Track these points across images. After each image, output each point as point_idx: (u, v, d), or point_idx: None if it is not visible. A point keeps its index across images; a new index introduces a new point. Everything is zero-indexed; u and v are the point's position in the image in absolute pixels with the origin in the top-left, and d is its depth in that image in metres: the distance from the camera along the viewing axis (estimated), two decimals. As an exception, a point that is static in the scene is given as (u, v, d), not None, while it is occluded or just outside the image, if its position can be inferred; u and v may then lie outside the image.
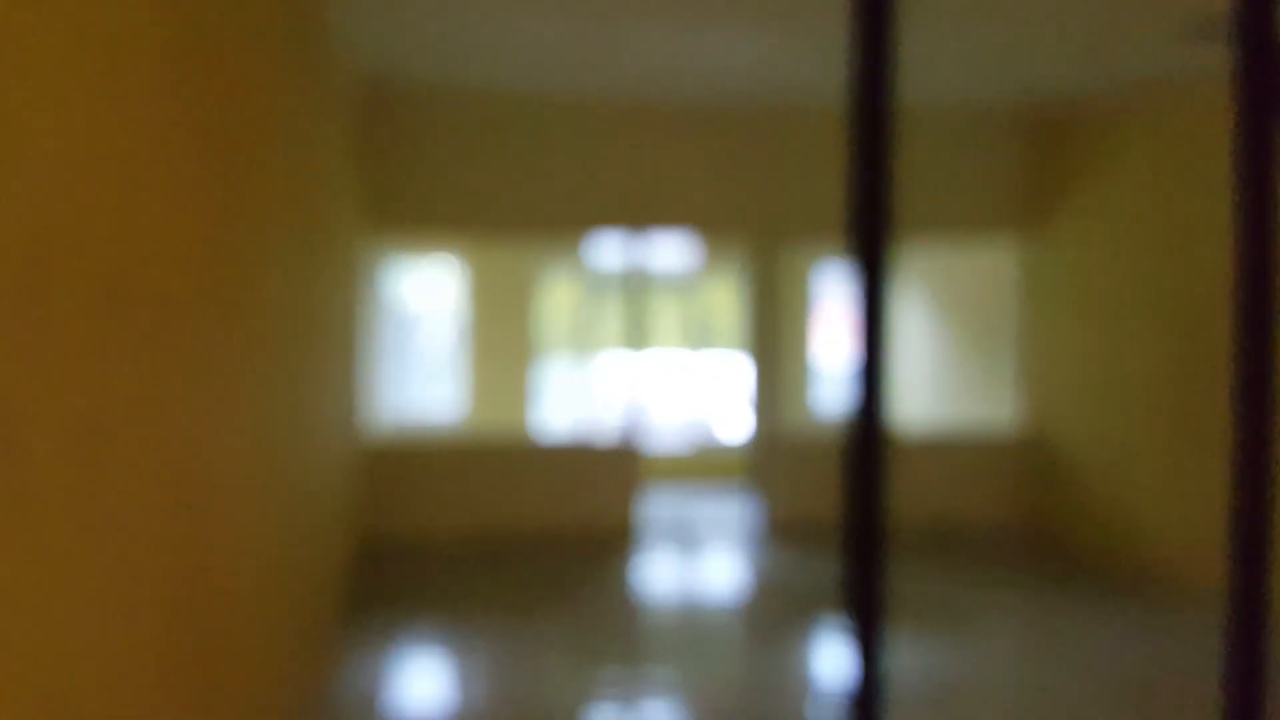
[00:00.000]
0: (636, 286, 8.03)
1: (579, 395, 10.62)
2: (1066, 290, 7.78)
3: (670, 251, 10.68)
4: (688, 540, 7.94)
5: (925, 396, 9.76)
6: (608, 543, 7.75)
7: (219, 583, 2.45)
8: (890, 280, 2.02)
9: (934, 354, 9.71)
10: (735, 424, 10.94)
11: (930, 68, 6.64)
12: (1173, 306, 6.64)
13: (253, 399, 3.07)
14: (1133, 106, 7.04)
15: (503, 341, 10.29)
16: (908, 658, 5.22)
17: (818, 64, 6.85)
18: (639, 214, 7.95)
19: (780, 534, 8.04)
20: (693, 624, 5.86)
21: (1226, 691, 1.66)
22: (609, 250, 10.43)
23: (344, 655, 5.13)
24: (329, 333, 5.23)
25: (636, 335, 8.04)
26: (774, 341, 8.16)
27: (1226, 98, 6.24)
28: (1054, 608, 6.11)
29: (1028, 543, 7.88)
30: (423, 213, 7.75)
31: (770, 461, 8.14)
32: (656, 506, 8.91)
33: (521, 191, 7.82)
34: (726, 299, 10.96)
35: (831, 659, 5.25)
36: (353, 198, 6.90)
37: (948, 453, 8.26)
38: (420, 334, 11.04)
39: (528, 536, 7.79)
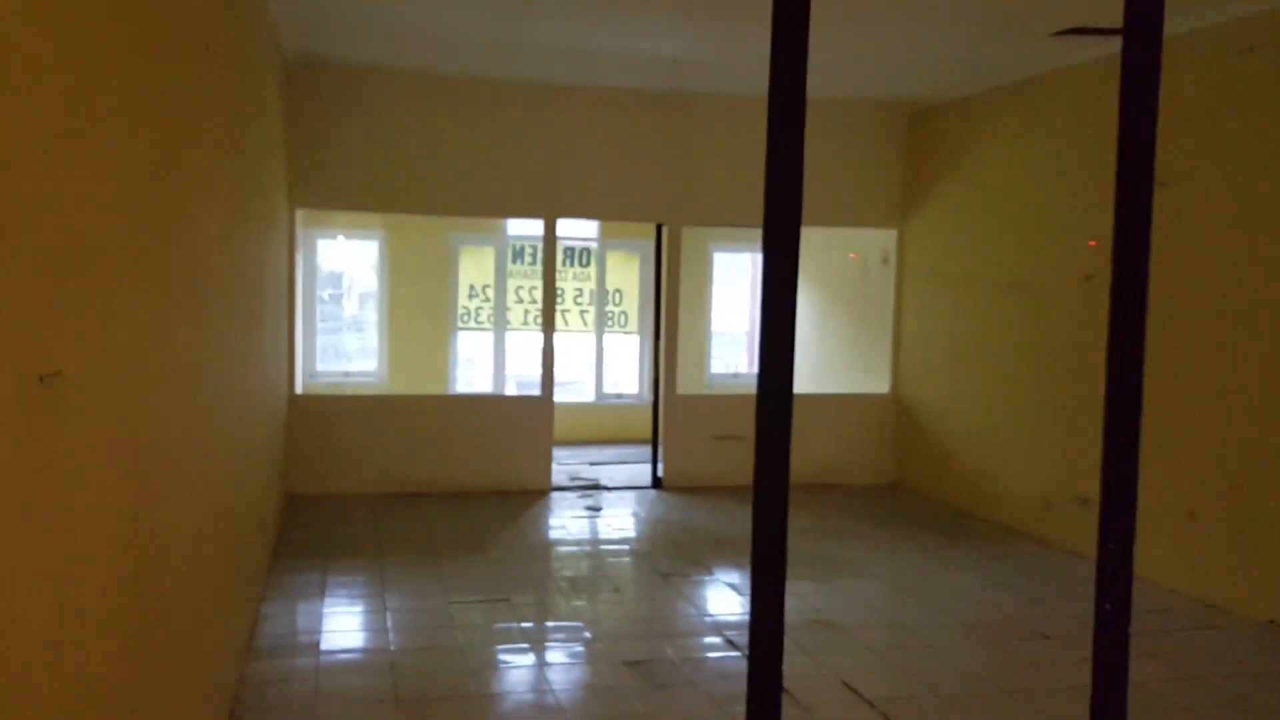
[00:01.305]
0: (549, 256, 8.66)
1: (495, 359, 11.21)
2: (935, 269, 8.66)
3: (580, 225, 11.28)
4: (594, 493, 8.65)
5: (813, 367, 10.61)
6: (519, 495, 8.41)
7: (161, 533, 2.84)
8: (797, 259, 1.91)
9: (820, 329, 10.56)
10: (638, 387, 11.67)
11: (821, 64, 7.38)
12: (1029, 284, 7.54)
13: (191, 355, 3.64)
14: (996, 101, 7.91)
15: (421, 307, 10.80)
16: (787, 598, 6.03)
17: (725, 54, 7.53)
18: (552, 200, 8.55)
19: (677, 487, 8.80)
20: (597, 567, 6.59)
21: (1098, 639, 1.90)
22: (522, 223, 10.98)
23: (272, 598, 5.71)
24: (261, 294, 5.74)
25: (548, 302, 8.68)
26: (675, 311, 8.87)
27: (1081, 90, 7.12)
28: (916, 556, 7.00)
29: (897, 498, 8.81)
30: (343, 187, 8.23)
31: (670, 421, 8.88)
32: (564, 461, 9.60)
33: (437, 172, 8.35)
34: (632, 270, 11.64)
35: (720, 597, 6.03)
36: (280, 167, 7.36)
37: (827, 414, 9.11)
38: (342, 300, 11.45)
39: (444, 489, 8.40)
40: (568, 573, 6.33)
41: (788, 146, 1.85)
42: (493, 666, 4.73)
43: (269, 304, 6.35)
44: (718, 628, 5.30)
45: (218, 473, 3.86)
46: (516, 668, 4.74)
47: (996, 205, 7.83)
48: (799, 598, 5.81)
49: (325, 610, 5.42)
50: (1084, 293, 6.84)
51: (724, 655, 4.91)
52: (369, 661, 4.72)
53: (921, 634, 5.27)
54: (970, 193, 8.19)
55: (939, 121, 8.65)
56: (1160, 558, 6.04)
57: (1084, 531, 6.85)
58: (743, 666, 4.75)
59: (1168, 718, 4.24)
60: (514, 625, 5.29)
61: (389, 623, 5.24)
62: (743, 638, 5.13)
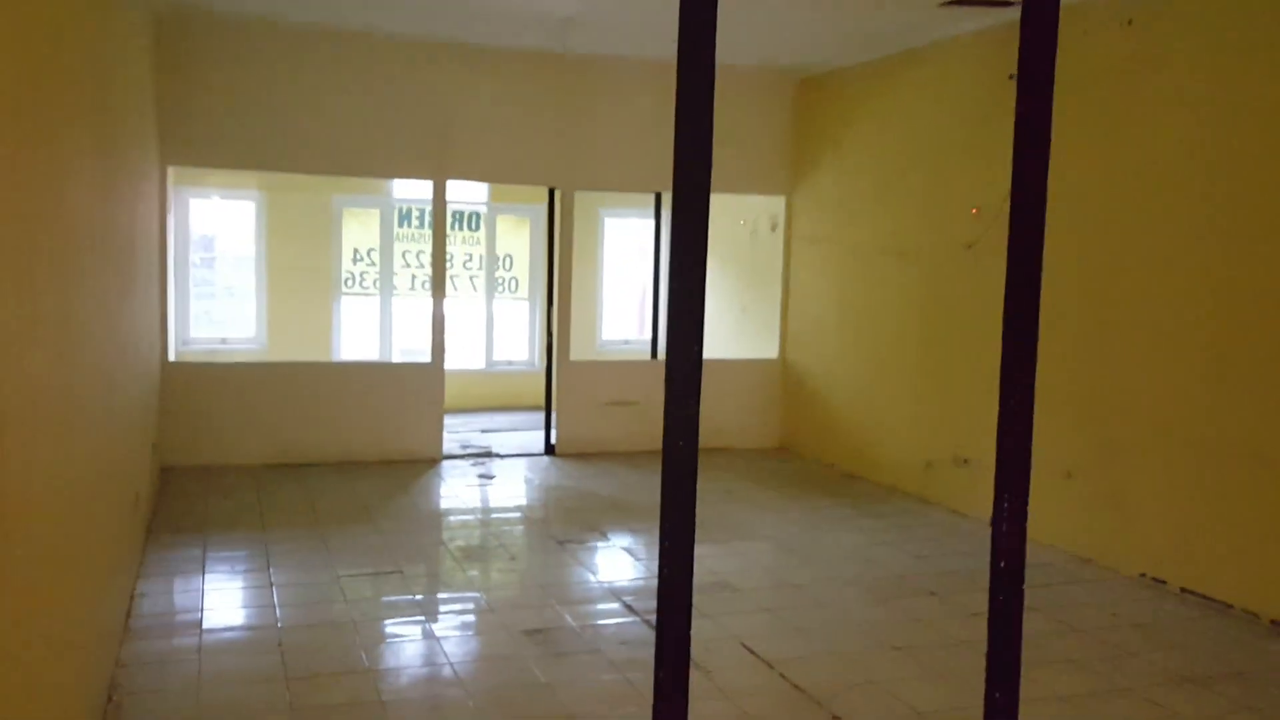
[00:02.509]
0: (438, 220, 8.44)
1: (380, 326, 10.91)
2: (822, 235, 8.79)
3: (468, 188, 11.03)
4: (484, 460, 8.53)
5: (709, 333, 10.68)
6: (409, 464, 8.23)
7: (14, 511, 2.74)
8: (706, 225, 2.25)
9: (710, 294, 10.62)
10: (528, 353, 11.55)
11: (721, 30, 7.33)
12: (912, 251, 7.71)
13: (55, 318, 3.40)
14: (884, 70, 8.03)
15: (301, 272, 10.41)
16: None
17: (618, 14, 7.40)
18: (441, 162, 8.31)
19: (570, 453, 8.76)
20: (492, 535, 6.49)
21: (993, 597, 1.94)
22: (412, 185, 10.67)
23: (148, 576, 5.44)
24: (131, 254, 5.41)
25: (438, 267, 8.47)
26: (568, 278, 8.78)
27: (967, 61, 7.27)
28: (804, 517, 7.13)
29: (784, 460, 8.97)
30: (218, 144, 7.82)
31: (563, 388, 8.81)
32: (455, 430, 9.44)
33: (320, 130, 8.01)
34: (522, 235, 11.47)
35: (616, 562, 6.02)
36: (150, 122, 6.93)
37: (717, 379, 9.19)
38: (217, 263, 10.93)
39: (329, 459, 8.14)
40: (461, 542, 6.23)
41: (696, 112, 1.84)
42: (386, 640, 4.61)
43: (140, 266, 6.00)
44: (615, 593, 5.30)
45: (85, 444, 3.62)
46: (411, 640, 4.64)
47: (882, 173, 7.97)
48: (695, 560, 5.83)
49: (206, 587, 5.19)
50: (965, 259, 7.04)
51: (623, 621, 4.91)
52: (255, 639, 4.54)
53: (814, 593, 5.38)
54: (857, 161, 8.32)
55: (828, 89, 8.74)
56: (1038, 515, 6.29)
57: (962, 490, 7.10)
58: (642, 631, 4.76)
59: (1055, 669, 4.43)
60: (407, 597, 5.17)
61: (275, 598, 5.05)
62: (640, 602, 5.14)
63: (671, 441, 2.25)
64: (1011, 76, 6.60)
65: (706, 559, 5.88)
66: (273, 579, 5.34)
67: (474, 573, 5.63)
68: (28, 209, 2.53)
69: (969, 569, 5.87)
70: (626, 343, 11.89)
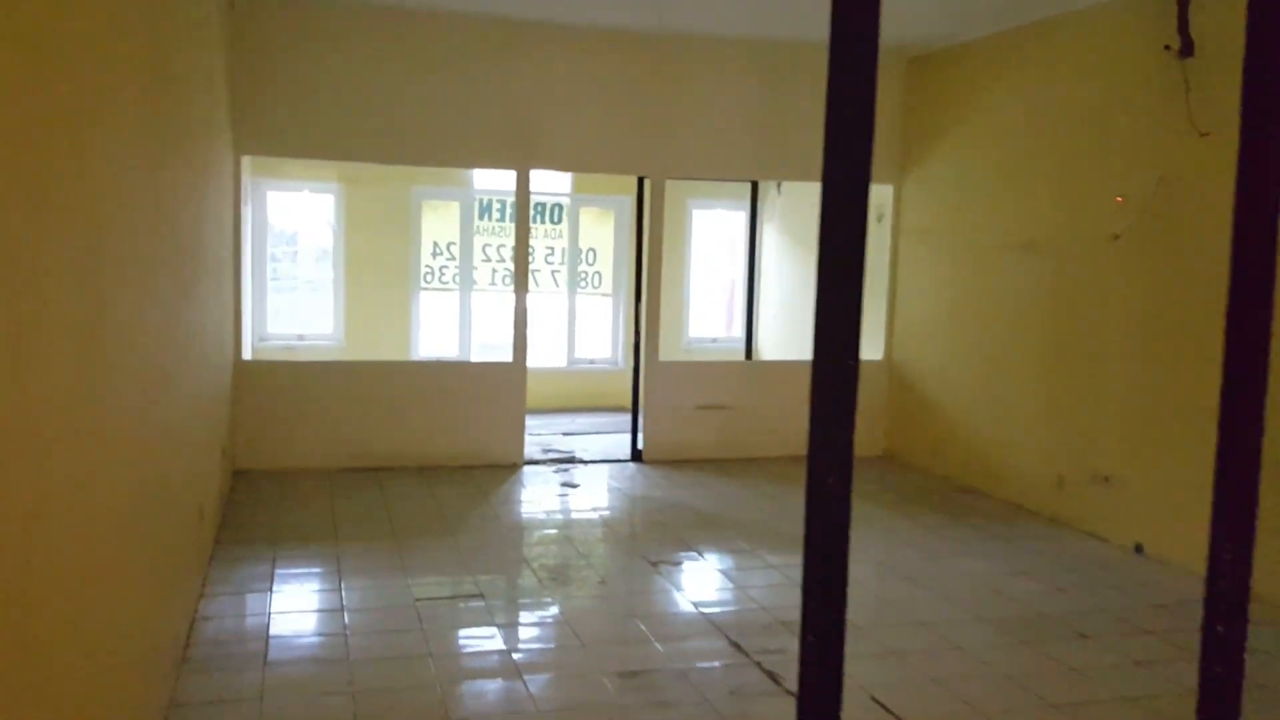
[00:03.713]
0: (522, 212, 7.95)
1: (459, 322, 10.50)
2: (935, 228, 8.08)
3: (551, 178, 10.56)
4: (567, 467, 8.03)
5: (798, 331, 10.04)
6: (488, 469, 7.77)
7: (67, 532, 2.35)
8: (865, 219, 1.88)
9: (806, 290, 9.97)
10: (611, 351, 11.04)
11: (809, 1, 6.70)
12: (1043, 244, 6.98)
13: (126, 316, 2.95)
14: (1009, 44, 7.29)
15: (380, 266, 10.05)
16: (790, 591, 5.46)
17: (706, -6, 6.82)
18: (525, 150, 7.82)
19: (658, 460, 8.21)
20: (578, 554, 5.98)
21: (1206, 667, 1.75)
22: (492, 175, 10.24)
23: (213, 594, 5.04)
24: (198, 249, 5.02)
25: (521, 261, 8.00)
26: (658, 272, 8.23)
27: (1107, 31, 6.51)
28: (919, 538, 6.47)
29: (891, 471, 8.29)
30: (294, 132, 7.44)
31: (651, 390, 8.27)
32: (535, 431, 8.97)
33: (400, 117, 7.59)
34: (606, 227, 10.95)
35: (714, 588, 5.45)
36: (222, 108, 6.57)
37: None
38: (296, 257, 10.67)
39: (407, 464, 7.74)
40: (545, 560, 5.72)
41: (855, 97, 1.65)
42: (465, 680, 4.11)
43: (209, 261, 5.62)
44: (720, 628, 4.73)
45: (129, 455, 3.20)
46: (493, 680, 4.13)
47: (1007, 159, 7.24)
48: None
49: (273, 610, 4.77)
50: (1108, 253, 6.29)
51: (732, 663, 4.34)
52: (323, 676, 4.08)
53: (944, 633, 4.74)
54: (977, 146, 7.59)
55: (942, 68, 8.02)
56: (1200, 543, 5.55)
57: (1101, 511, 6.36)
58: (755, 678, 4.19)
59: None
60: (489, 627, 4.67)
61: (346, 625, 4.60)
62: (749, 640, 4.56)
63: (819, 476, 1.94)
64: (1168, 48, 5.83)
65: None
66: (344, 601, 4.89)
67: (560, 597, 5.11)
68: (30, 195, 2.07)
69: (1121, 606, 5.16)
70: (714, 341, 11.30)
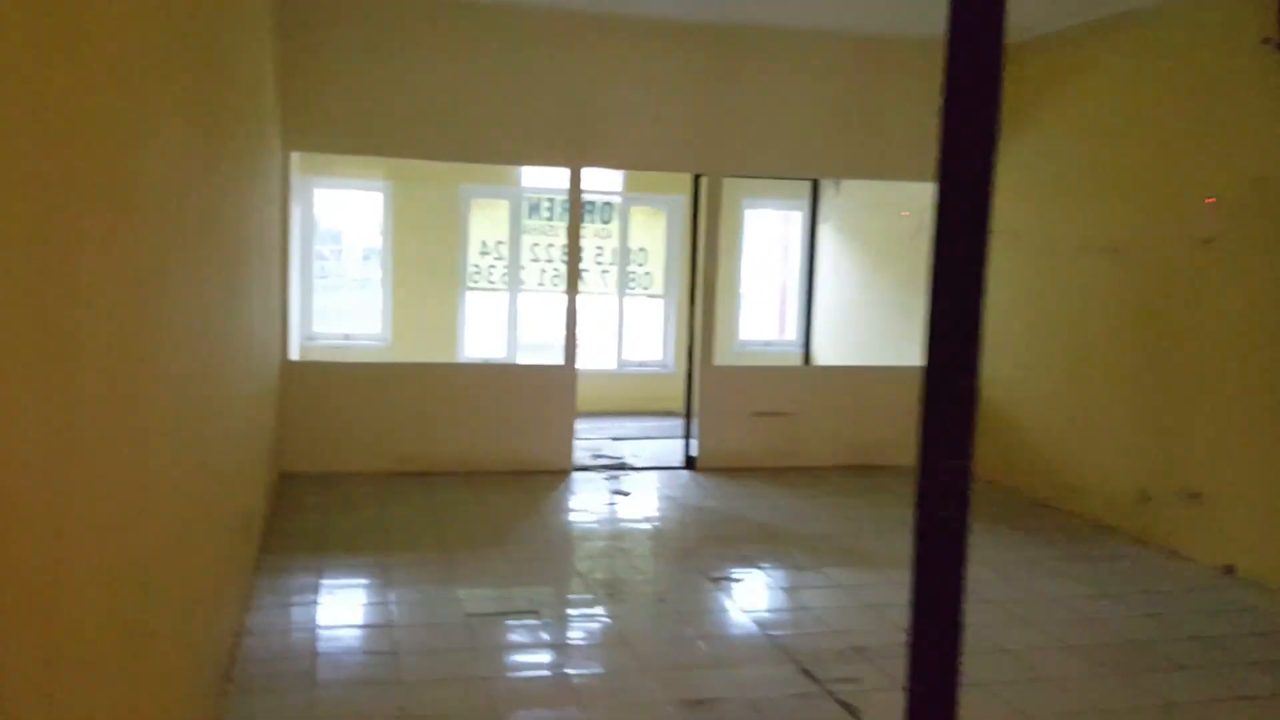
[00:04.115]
0: (574, 210, 7.72)
1: (508, 322, 10.30)
2: (1009, 229, 7.73)
3: (602, 176, 10.33)
4: (619, 474, 7.79)
5: (859, 337, 9.71)
6: (538, 475, 7.55)
7: (147, 525, 2.17)
8: (988, 222, 1.84)
9: (866, 294, 9.64)
10: (661, 354, 10.78)
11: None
12: (1128, 247, 6.62)
13: (170, 317, 2.75)
14: (1090, 37, 6.93)
15: (428, 265, 9.88)
16: (859, 613, 5.17)
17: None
18: (578, 147, 7.59)
19: (712, 468, 7.94)
20: (634, 568, 5.73)
21: None
22: (542, 173, 10.03)
23: (258, 608, 4.86)
24: (243, 248, 4.84)
25: (572, 261, 7.76)
26: (713, 273, 7.95)
27: (1201, 24, 6.15)
28: (997, 557, 6.14)
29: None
30: (342, 128, 7.27)
31: (705, 395, 8.00)
32: (584, 435, 8.74)
33: (450, 113, 7.39)
34: (657, 227, 10.69)
35: (779, 607, 5.17)
36: (271, 102, 6.41)
37: (877, 389, 8.23)
38: (343, 256, 10.55)
39: (455, 468, 7.53)
40: (600, 574, 5.47)
41: (977, 94, 1.69)
42: (521, 707, 3.88)
43: (256, 260, 5.45)
44: (787, 651, 4.45)
45: (183, 463, 3.00)
46: (550, 708, 3.89)
47: (1088, 158, 6.87)
48: (875, 611, 4.95)
49: (320, 624, 4.57)
50: (1200, 258, 5.92)
51: (804, 692, 4.06)
52: (373, 699, 3.87)
53: (1032, 663, 4.42)
54: (1054, 143, 7.23)
55: (1016, 61, 7.65)
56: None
57: (1190, 530, 5.99)
58: (830, 710, 3.90)
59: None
60: (545, 649, 4.44)
61: (395, 642, 4.39)
62: (820, 667, 4.28)
63: (930, 512, 1.88)
64: (1265, 41, 5.46)
65: (891, 610, 4.98)
66: (394, 616, 4.68)
67: (617, 615, 4.86)
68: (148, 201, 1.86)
69: (1218, 634, 4.81)
70: (768, 344, 11.00)
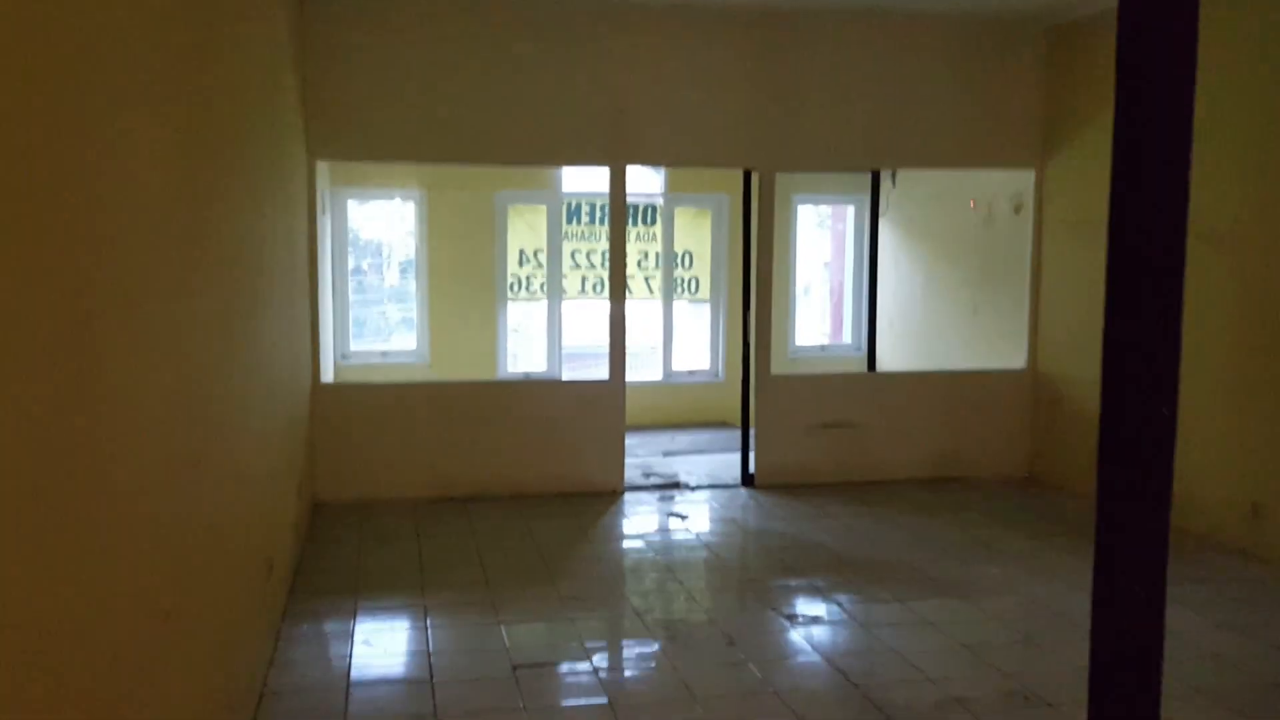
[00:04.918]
0: (617, 212, 7.22)
1: (549, 333, 9.83)
2: (1088, 218, 7.11)
3: (644, 176, 9.85)
4: (673, 493, 7.28)
5: (922, 338, 9.12)
6: (586, 497, 7.06)
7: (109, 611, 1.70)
8: (1185, 217, 1.57)
9: (930, 291, 9.05)
10: (710, 362, 10.26)
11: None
12: (1230, 234, 5.99)
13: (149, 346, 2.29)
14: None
15: (465, 276, 9.44)
16: (951, 652, 4.62)
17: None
18: (620, 144, 7.10)
19: (772, 485, 7.40)
20: (698, 605, 5.20)
21: None
22: (581, 176, 9.57)
23: (284, 661, 4.41)
24: (262, 266, 4.41)
25: (617, 267, 7.27)
26: (768, 276, 7.42)
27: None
28: (1078, 571, 5.52)
29: (1040, 496, 7.32)
30: (370, 133, 6.85)
31: (763, 407, 7.46)
32: (633, 451, 8.24)
33: (483, 112, 6.93)
34: (702, 229, 10.17)
35: (865, 651, 4.62)
36: (294, 113, 6.00)
37: (947, 394, 7.64)
38: (382, 269, 10.17)
39: (498, 492, 7.07)
40: (660, 614, 4.95)
41: (1172, 62, 1.33)
42: (581, 781, 3.38)
43: (279, 277, 5.02)
44: (877, 705, 3.90)
45: (187, 512, 2.55)
46: (614, 782, 3.39)
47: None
48: (971, 653, 4.39)
49: (353, 680, 4.11)
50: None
51: (903, 760, 3.52)
52: (409, 775, 3.40)
53: (1172, 716, 3.83)
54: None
55: (1093, 35, 7.05)
56: None
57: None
58: (935, 782, 3.36)
59: None
60: (600, 704, 3.93)
61: (436, 701, 3.91)
62: (918, 726, 3.74)
63: (1112, 575, 1.97)
64: None
65: (988, 652, 4.41)
66: (434, 671, 4.21)
67: (681, 662, 4.34)
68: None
69: (1374, 676, 4.19)
70: (824, 349, 10.43)
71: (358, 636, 4.58)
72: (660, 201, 10.06)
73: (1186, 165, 1.53)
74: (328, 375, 7.58)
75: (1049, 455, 7.55)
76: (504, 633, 4.62)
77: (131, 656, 2.13)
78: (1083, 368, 7.20)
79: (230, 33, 3.63)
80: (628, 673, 4.30)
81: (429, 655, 4.37)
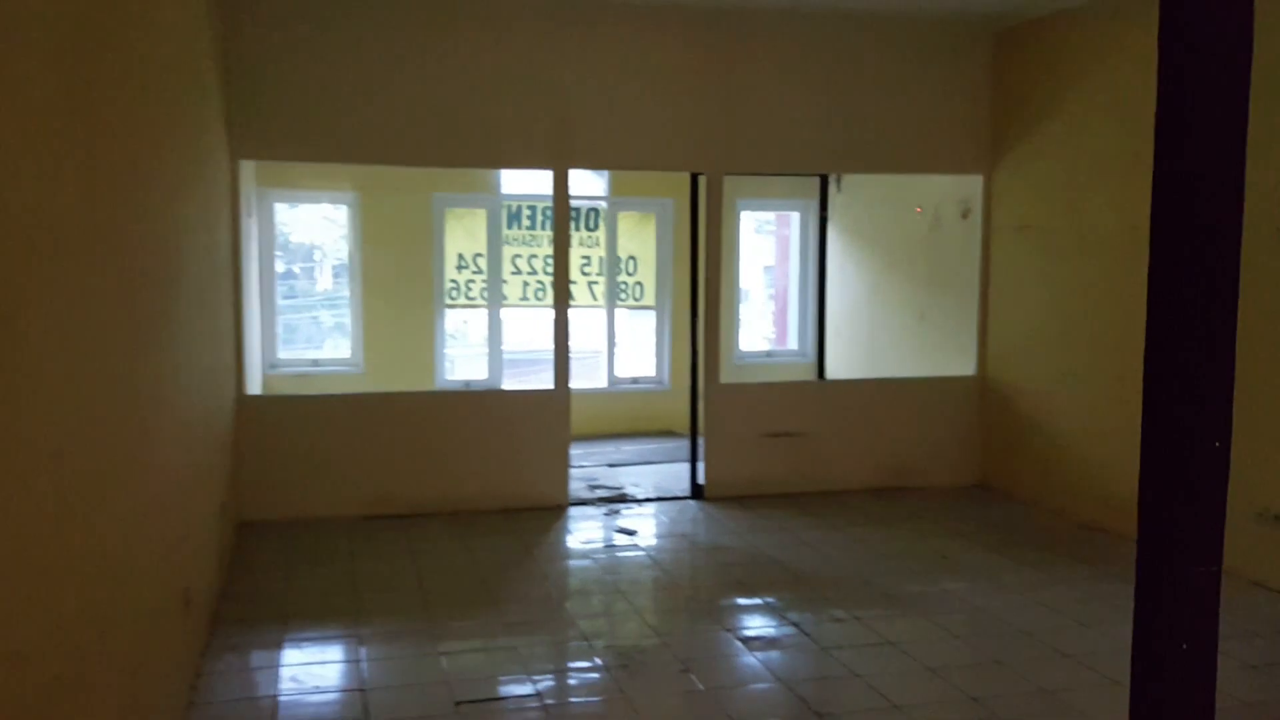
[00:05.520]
0: (560, 216, 6.95)
1: (489, 341, 9.51)
2: (1038, 222, 7.02)
3: (588, 179, 9.59)
4: (619, 507, 7.02)
5: (870, 345, 9.00)
6: (530, 513, 6.77)
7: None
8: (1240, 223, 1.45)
9: (875, 298, 8.93)
10: (655, 370, 10.03)
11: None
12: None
13: (100, 359, 1.97)
14: (1126, 9, 6.23)
15: (401, 281, 9.08)
16: (920, 681, 4.43)
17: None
18: (563, 147, 6.83)
19: (722, 497, 7.18)
20: (652, 629, 4.95)
21: None
22: (521, 179, 9.28)
23: (202, 702, 4.05)
24: (176, 274, 4.06)
25: (560, 273, 7.00)
26: (717, 282, 7.20)
27: None
28: (1063, 598, 5.41)
29: (995, 505, 7.21)
30: (297, 132, 6.48)
31: (713, 416, 7.24)
32: (577, 462, 7.96)
33: (419, 111, 6.62)
34: (647, 233, 9.94)
35: (827, 675, 4.40)
36: (214, 110, 5.62)
37: (897, 402, 7.51)
38: (314, 274, 9.76)
39: (437, 509, 6.74)
40: (612, 641, 4.68)
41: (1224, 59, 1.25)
42: (530, 833, 3.10)
43: (198, 283, 4.66)
44: None
45: (82, 547, 2.23)
46: (566, 833, 3.12)
47: (1133, 141, 6.16)
48: (938, 676, 4.21)
49: (280, 671, 3.78)
50: (1275, 250, 5.23)
51: (875, 799, 3.30)
52: (341, 832, 3.09)
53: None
54: (1091, 126, 6.53)
55: (1041, 38, 6.96)
56: None
57: (1272, 556, 5.29)
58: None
59: None
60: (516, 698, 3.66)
61: (358, 689, 3.60)
62: (888, 759, 3.53)
63: (1163, 630, 1.48)
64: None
65: (954, 674, 4.23)
66: (369, 709, 3.88)
67: (635, 693, 4.08)
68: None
69: (1345, 692, 4.09)
70: (770, 355, 10.26)
71: (285, 672, 4.24)
72: (603, 205, 9.81)
73: (1241, 160, 1.29)
74: (254, 386, 7.18)
75: (999, 462, 7.46)
76: (444, 664, 4.32)
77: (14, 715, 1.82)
78: (1032, 374, 7.12)
79: (133, 11, 3.29)
80: (578, 706, 4.03)
81: (363, 691, 4.05)
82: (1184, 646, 1.28)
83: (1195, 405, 1.22)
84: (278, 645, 4.50)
